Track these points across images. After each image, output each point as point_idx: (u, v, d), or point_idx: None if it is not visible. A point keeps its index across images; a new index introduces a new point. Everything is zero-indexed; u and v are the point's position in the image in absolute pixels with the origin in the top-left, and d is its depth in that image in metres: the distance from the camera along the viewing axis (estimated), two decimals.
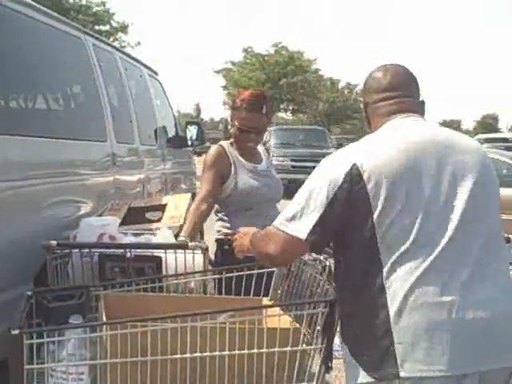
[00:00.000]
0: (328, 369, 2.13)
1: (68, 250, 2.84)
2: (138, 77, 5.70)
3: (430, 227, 1.79)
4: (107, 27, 23.83)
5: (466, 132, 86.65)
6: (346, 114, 62.38)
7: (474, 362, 1.75)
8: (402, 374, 1.74)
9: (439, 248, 1.78)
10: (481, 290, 1.79)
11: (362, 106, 2.21)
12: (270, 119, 3.47)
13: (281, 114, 53.71)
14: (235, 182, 3.28)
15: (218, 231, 3.38)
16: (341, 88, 66.47)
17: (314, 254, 2.48)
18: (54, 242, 2.82)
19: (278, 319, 2.22)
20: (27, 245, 2.96)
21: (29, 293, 2.27)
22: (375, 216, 1.79)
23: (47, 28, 3.67)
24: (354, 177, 1.80)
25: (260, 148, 3.53)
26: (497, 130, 73.56)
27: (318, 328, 2.14)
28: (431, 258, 1.77)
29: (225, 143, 3.43)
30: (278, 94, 44.66)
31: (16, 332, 1.89)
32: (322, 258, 2.42)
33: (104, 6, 23.13)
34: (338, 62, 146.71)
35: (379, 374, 1.78)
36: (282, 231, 1.90)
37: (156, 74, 6.54)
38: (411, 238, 1.77)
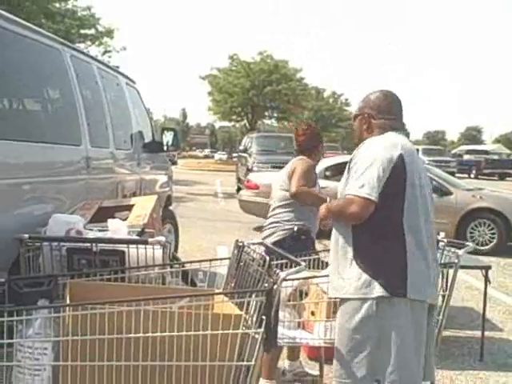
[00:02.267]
0: (266, 349, 2.40)
1: (39, 243, 3.12)
2: (115, 85, 5.95)
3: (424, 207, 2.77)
4: (92, 31, 23.86)
5: (451, 143, 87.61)
6: (331, 123, 62.88)
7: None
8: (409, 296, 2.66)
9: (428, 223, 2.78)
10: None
11: (365, 114, 2.94)
12: None
13: (266, 121, 53.96)
14: (318, 186, 4.36)
15: (288, 220, 4.27)
16: (326, 97, 67.05)
17: (258, 250, 2.79)
18: (25, 236, 3.10)
19: (222, 306, 2.51)
20: (2, 238, 3.22)
21: (2, 280, 2.53)
22: (407, 186, 2.68)
23: (27, 40, 3.95)
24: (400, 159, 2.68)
25: None
26: (481, 142, 74.59)
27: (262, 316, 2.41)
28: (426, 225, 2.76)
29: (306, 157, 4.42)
30: (263, 101, 44.91)
31: None
32: (263, 253, 2.71)
33: (90, 10, 23.18)
34: (323, 72, 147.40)
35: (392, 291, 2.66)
36: (359, 196, 2.64)
37: (133, 82, 6.79)
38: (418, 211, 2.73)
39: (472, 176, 32.87)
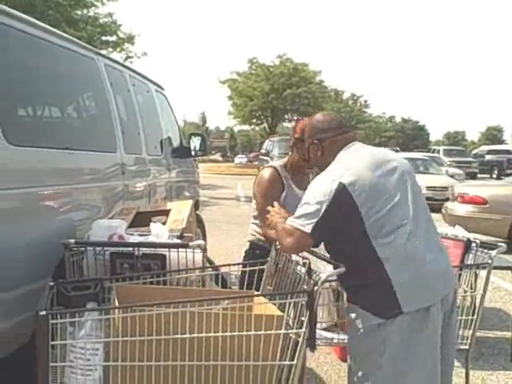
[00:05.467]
0: (311, 349, 2.46)
1: (83, 248, 3.22)
2: (145, 92, 6.08)
3: (398, 214, 2.51)
4: (114, 38, 24.14)
5: (471, 143, 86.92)
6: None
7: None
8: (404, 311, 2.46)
9: (409, 226, 2.51)
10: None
11: (314, 143, 2.79)
12: None
13: (286, 124, 54.04)
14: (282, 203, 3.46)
15: (252, 234, 3.91)
16: (345, 99, 67.02)
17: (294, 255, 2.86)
18: (71, 241, 3.20)
19: (264, 307, 2.58)
20: (49, 243, 3.32)
21: (51, 283, 2.62)
22: (362, 212, 2.47)
23: (66, 51, 4.08)
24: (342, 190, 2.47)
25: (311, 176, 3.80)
26: (501, 142, 73.79)
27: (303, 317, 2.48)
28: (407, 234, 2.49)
29: (277, 165, 3.83)
30: (283, 104, 45.00)
31: (43, 313, 2.23)
32: (303, 256, 2.78)
33: (111, 17, 23.44)
34: (343, 74, 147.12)
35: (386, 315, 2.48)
36: (294, 227, 2.53)
37: (162, 88, 6.91)
38: (390, 223, 2.49)
39: (494, 176, 32.48)
